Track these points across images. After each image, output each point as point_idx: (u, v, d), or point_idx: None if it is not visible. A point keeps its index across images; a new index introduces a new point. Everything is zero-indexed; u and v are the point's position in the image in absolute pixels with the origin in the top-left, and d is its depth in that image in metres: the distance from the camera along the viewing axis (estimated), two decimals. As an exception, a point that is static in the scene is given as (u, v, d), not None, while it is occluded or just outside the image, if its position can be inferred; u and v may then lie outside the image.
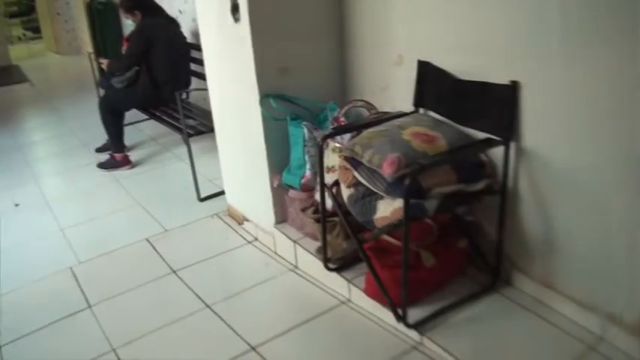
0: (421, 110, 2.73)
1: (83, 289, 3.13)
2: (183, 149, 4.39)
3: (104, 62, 4.89)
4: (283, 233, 3.11)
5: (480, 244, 2.61)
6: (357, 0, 2.92)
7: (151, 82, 4.57)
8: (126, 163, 4.72)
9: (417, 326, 2.37)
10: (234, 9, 2.90)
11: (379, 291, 2.44)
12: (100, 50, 7.25)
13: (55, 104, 7.07)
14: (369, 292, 2.55)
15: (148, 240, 3.54)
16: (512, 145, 2.33)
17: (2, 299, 3.17)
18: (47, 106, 7.03)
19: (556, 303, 2.37)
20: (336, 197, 2.58)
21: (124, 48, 4.75)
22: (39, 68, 9.43)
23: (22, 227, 4.00)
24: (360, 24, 2.95)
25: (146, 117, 4.84)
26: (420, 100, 2.72)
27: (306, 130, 2.87)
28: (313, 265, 2.88)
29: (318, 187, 2.72)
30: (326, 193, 2.62)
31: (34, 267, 3.44)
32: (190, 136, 4.02)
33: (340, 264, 2.78)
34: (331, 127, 2.84)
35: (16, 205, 4.35)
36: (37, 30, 11.94)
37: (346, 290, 2.71)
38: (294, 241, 3.02)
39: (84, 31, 9.25)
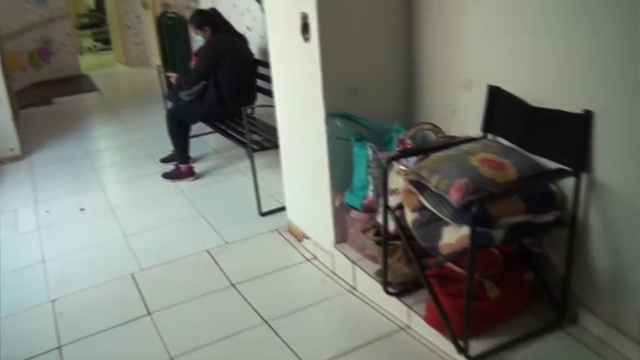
0: (490, 136, 2.68)
1: (144, 296, 3.19)
2: (247, 163, 4.46)
3: (173, 76, 5.01)
4: (343, 253, 3.10)
5: (545, 278, 2.53)
6: (427, 22, 2.91)
7: (217, 96, 4.65)
8: (190, 174, 4.80)
9: (478, 360, 2.30)
10: (305, 29, 2.93)
11: (440, 319, 2.39)
12: (167, 64, 7.41)
13: (123, 114, 7.27)
14: (430, 320, 2.50)
15: (208, 251, 3.59)
16: (584, 177, 2.26)
17: (64, 301, 3.26)
18: (114, 116, 7.24)
19: (623, 346, 2.26)
20: (400, 220, 2.55)
21: (193, 63, 4.86)
22: (107, 78, 9.72)
23: (86, 232, 4.13)
24: (430, 46, 2.94)
25: (211, 130, 4.91)
26: (488, 126, 2.67)
27: (370, 151, 2.86)
28: (372, 288, 2.85)
29: (380, 209, 2.70)
30: (389, 216, 2.59)
31: (96, 271, 3.54)
32: (255, 151, 4.06)
33: (400, 289, 2.74)
34: (397, 149, 2.82)
35: (82, 209, 4.49)
36: (106, 42, 12.35)
37: (405, 316, 2.67)
38: (354, 262, 3.00)
39: (153, 45, 9.51)
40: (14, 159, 5.81)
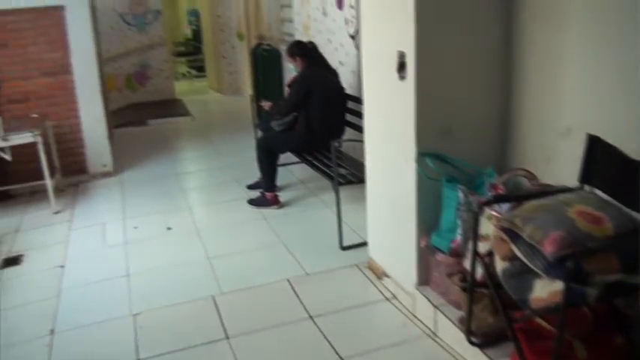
0: (587, 187, 2.58)
1: (223, 320, 3.23)
2: (330, 196, 4.47)
3: (267, 104, 5.13)
4: (425, 296, 3.03)
5: (638, 344, 2.38)
6: (526, 67, 2.86)
7: (307, 128, 4.72)
8: (275, 202, 4.86)
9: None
10: (401, 67, 2.93)
11: (525, 376, 2.29)
12: (259, 93, 7.60)
13: (213, 139, 7.50)
14: (514, 376, 2.40)
15: (288, 281, 3.60)
16: (687, 238, 2.13)
17: (145, 315, 3.35)
18: (205, 140, 7.47)
19: None
20: (488, 268, 2.47)
21: (286, 94, 4.96)
22: (200, 104, 10.07)
23: (171, 250, 4.24)
24: (528, 90, 2.87)
25: (298, 160, 4.98)
26: (586, 177, 2.57)
27: (461, 194, 2.81)
28: (454, 336, 2.77)
29: (468, 254, 2.63)
30: (477, 263, 2.53)
31: (178, 290, 3.63)
32: (340, 184, 4.08)
33: (483, 339, 2.64)
34: (489, 193, 2.75)
35: (169, 228, 4.62)
36: (201, 69, 12.84)
37: (488, 368, 2.58)
38: (436, 307, 2.94)
39: (245, 74, 9.80)
40: (106, 175, 6.08)
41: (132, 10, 9.87)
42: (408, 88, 2.90)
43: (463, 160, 2.92)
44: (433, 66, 2.85)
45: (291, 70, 5.41)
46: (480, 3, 2.84)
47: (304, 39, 6.47)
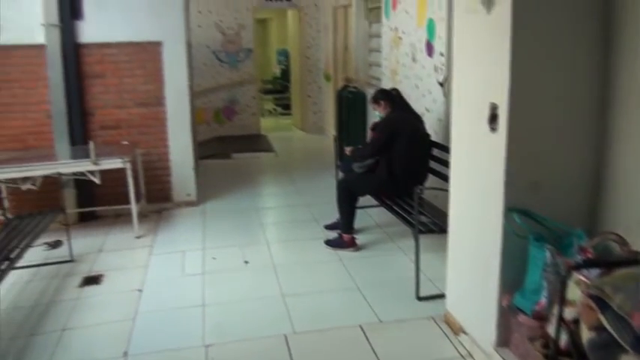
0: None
1: (293, 360, 3.21)
2: (409, 242, 4.41)
3: (348, 149, 5.15)
4: (503, 358, 2.91)
5: None
6: (624, 125, 2.73)
7: (389, 171, 4.71)
8: (352, 244, 4.84)
9: None
10: (492, 119, 2.89)
11: None
12: (342, 134, 7.67)
13: (295, 176, 7.60)
14: None
15: (361, 327, 3.54)
16: None
17: (218, 348, 3.38)
18: (287, 177, 7.59)
19: None
20: (574, 336, 2.35)
21: (370, 138, 4.97)
22: (284, 141, 10.26)
23: (247, 284, 4.28)
24: (624, 150, 2.75)
25: (377, 204, 4.96)
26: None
27: (548, 255, 2.70)
28: (533, 401, 2.64)
29: (552, 319, 2.52)
30: (562, 329, 2.41)
31: (251, 325, 3.65)
32: (421, 232, 4.01)
33: (564, 409, 2.51)
34: (577, 256, 2.63)
35: (246, 262, 4.68)
36: (286, 107, 13.15)
37: None
38: (514, 370, 2.82)
39: (330, 114, 9.94)
40: (190, 204, 6.25)
41: (225, 48, 10.28)
42: (498, 140, 2.84)
43: (551, 219, 2.82)
44: (526, 118, 2.78)
45: (376, 116, 5.44)
46: (578, 48, 2.76)
47: (391, 84, 6.52)
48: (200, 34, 9.90)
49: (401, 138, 4.68)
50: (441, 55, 5.23)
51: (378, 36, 7.32)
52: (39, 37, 5.54)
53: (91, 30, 5.71)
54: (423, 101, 5.68)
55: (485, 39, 2.96)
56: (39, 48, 5.57)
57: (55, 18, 5.49)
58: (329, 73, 10.07)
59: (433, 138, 5.03)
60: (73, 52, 5.64)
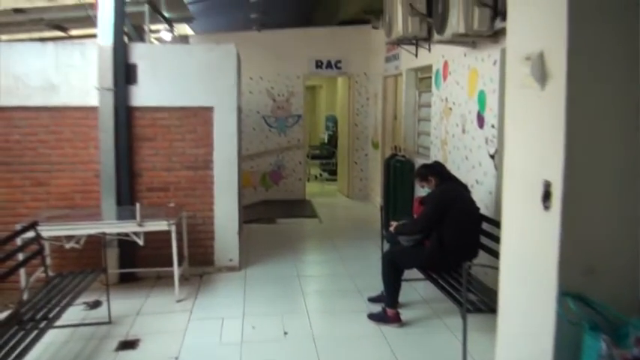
0: None
1: None
2: (455, 320, 4.26)
3: (393, 225, 5.03)
4: None
5: None
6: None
7: (438, 245, 4.61)
8: (396, 320, 4.72)
9: None
10: (546, 197, 2.80)
11: None
12: (388, 203, 7.64)
13: (338, 243, 7.53)
14: None
15: (403, 410, 3.40)
16: None
17: None
18: (330, 244, 7.53)
19: None
20: None
21: (416, 209, 4.90)
22: (329, 207, 10.25)
23: (286, 357, 4.17)
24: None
25: (423, 277, 4.84)
26: None
27: (604, 345, 2.55)
28: None
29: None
30: None
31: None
32: (469, 311, 3.87)
33: None
34: (635, 349, 2.48)
35: (286, 333, 4.58)
36: (332, 172, 13.24)
37: None
38: None
39: (376, 182, 9.93)
40: (232, 269, 6.24)
41: (275, 113, 10.51)
42: (552, 219, 2.75)
43: (607, 306, 2.67)
44: (582, 197, 2.69)
45: (424, 190, 5.37)
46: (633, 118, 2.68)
47: (440, 154, 6.50)
48: (251, 100, 10.17)
49: (452, 211, 4.60)
50: (492, 127, 5.19)
51: (428, 105, 7.35)
52: (92, 99, 5.77)
53: (144, 94, 5.91)
54: (473, 173, 5.61)
55: (538, 114, 2.91)
56: (92, 110, 5.79)
57: (109, 82, 5.73)
58: (377, 141, 10.12)
59: (483, 211, 4.93)
60: (124, 114, 5.84)
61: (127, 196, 5.88)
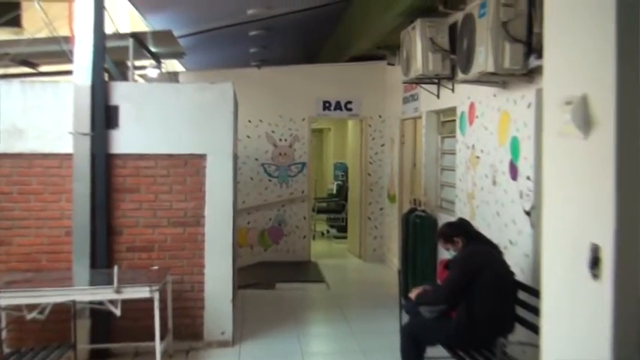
0: None
1: None
2: (488, 409, 4.15)
3: (414, 292, 4.99)
4: None
5: None
6: None
7: (467, 318, 4.54)
8: (418, 405, 4.62)
9: None
10: (594, 263, 2.75)
11: None
12: (407, 266, 7.57)
13: (348, 314, 7.45)
14: None
15: None
16: None
17: None
18: (339, 314, 7.44)
19: None
20: None
21: (444, 278, 4.84)
22: (337, 270, 10.19)
23: None
24: None
25: (449, 356, 4.74)
26: None
27: None
28: None
29: None
30: None
31: None
32: (504, 399, 3.79)
33: None
34: None
35: None
36: (342, 229, 13.21)
37: None
38: None
39: (393, 241, 9.88)
40: (223, 344, 6.15)
41: (276, 160, 10.55)
42: (603, 289, 2.69)
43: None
44: (637, 264, 2.65)
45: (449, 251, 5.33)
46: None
47: (467, 209, 6.47)
48: (249, 145, 10.24)
49: (483, 277, 4.56)
50: (528, 179, 5.17)
51: (452, 153, 7.36)
52: (66, 146, 5.78)
53: (126, 140, 5.93)
54: (506, 232, 5.56)
55: (582, 166, 2.89)
56: (65, 158, 5.81)
57: (86, 126, 5.74)
58: (393, 193, 10.12)
59: (519, 277, 4.88)
60: (103, 163, 5.85)
61: (103, 258, 5.83)
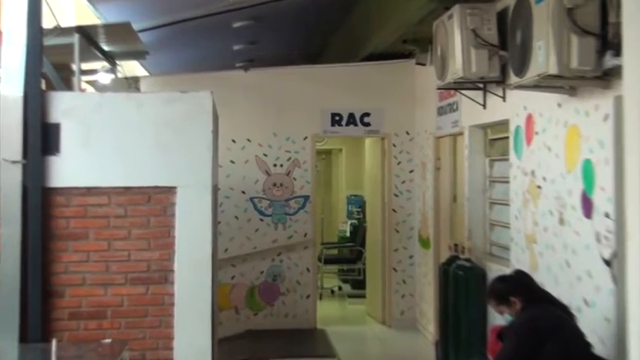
0: None
1: None
2: None
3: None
4: None
5: None
6: None
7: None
8: None
9: None
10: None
11: None
12: (447, 333, 7.53)
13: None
14: None
15: None
16: None
17: None
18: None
19: None
20: None
21: (499, 351, 4.84)
22: (353, 340, 10.16)
23: None
24: None
25: None
26: None
27: None
28: None
29: None
30: None
31: None
32: None
33: None
34: None
35: None
36: (358, 285, 13.16)
37: None
38: None
39: (427, 301, 9.85)
40: None
41: (269, 194, 10.54)
42: None
43: None
44: None
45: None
46: None
47: (526, 256, 6.45)
48: (233, 174, 10.24)
49: (548, 349, 4.57)
50: (607, 216, 5.16)
51: (505, 181, 7.38)
52: (-12, 177, 5.77)
53: (70, 169, 5.90)
54: (580, 288, 5.55)
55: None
56: (-13, 194, 5.79)
57: (16, 152, 5.70)
58: (427, 236, 10.11)
59: (598, 349, 4.89)
60: (38, 199, 5.82)
61: (37, 329, 5.79)
